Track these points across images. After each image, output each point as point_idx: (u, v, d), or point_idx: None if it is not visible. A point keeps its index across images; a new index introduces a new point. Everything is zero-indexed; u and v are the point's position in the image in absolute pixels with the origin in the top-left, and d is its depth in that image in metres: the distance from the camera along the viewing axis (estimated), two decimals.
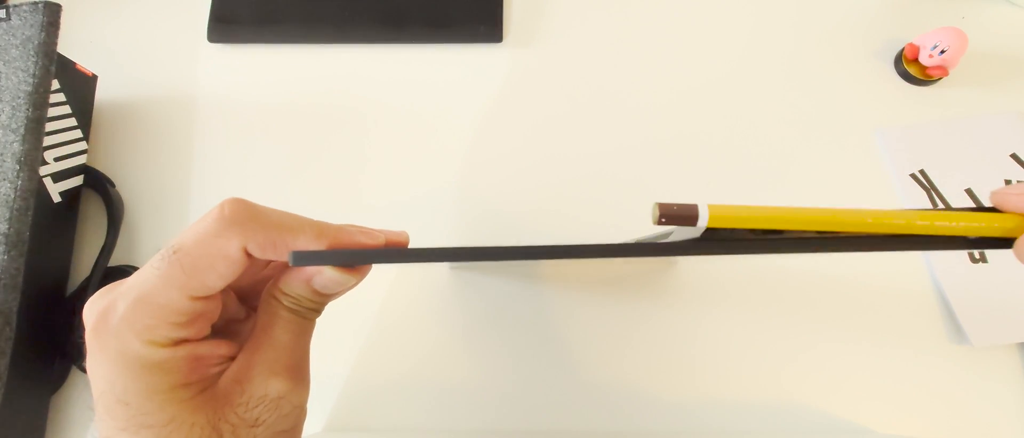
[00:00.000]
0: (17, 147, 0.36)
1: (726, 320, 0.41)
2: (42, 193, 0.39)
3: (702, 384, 0.40)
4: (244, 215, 0.18)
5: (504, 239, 0.43)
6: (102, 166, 0.45)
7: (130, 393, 0.17)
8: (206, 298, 0.18)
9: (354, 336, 0.41)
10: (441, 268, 0.42)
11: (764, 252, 0.14)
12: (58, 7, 0.39)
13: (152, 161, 0.46)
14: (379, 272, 0.42)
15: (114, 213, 0.42)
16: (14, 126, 0.36)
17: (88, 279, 0.40)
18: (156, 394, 0.17)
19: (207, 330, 0.19)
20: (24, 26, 0.38)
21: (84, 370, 0.39)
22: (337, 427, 0.39)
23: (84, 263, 0.42)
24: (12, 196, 0.35)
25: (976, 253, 0.42)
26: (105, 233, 0.42)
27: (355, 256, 0.17)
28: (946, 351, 0.40)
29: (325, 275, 0.19)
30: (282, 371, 0.19)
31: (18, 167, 0.35)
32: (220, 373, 0.19)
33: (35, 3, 0.38)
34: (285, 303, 0.20)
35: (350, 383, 0.40)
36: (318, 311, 0.21)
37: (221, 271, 0.18)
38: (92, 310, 0.18)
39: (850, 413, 0.39)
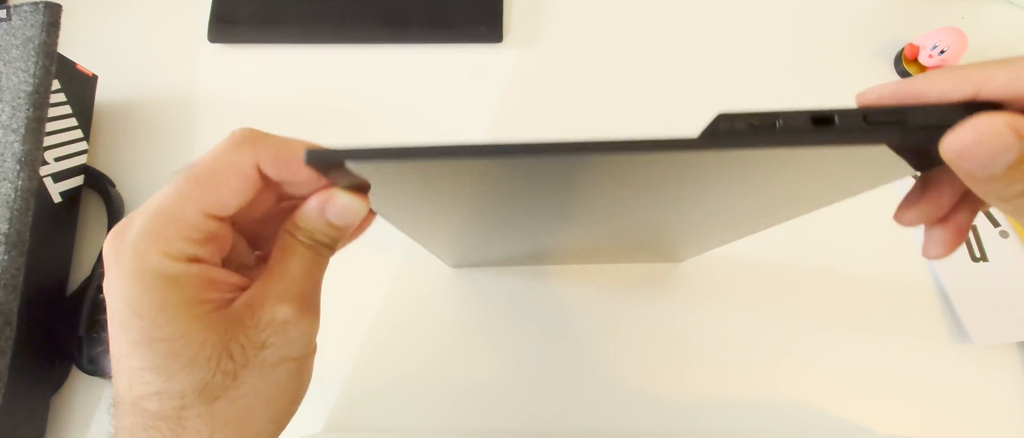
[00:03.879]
0: (17, 147, 0.36)
1: (726, 320, 0.41)
2: (42, 193, 0.39)
3: (702, 384, 0.39)
4: (254, 135, 0.18)
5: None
6: (102, 166, 0.45)
7: (144, 305, 0.17)
8: (220, 219, 0.18)
9: (354, 336, 0.41)
10: (442, 268, 0.42)
11: (763, 147, 0.14)
12: (58, 7, 0.39)
13: (152, 161, 0.46)
14: (379, 272, 0.42)
15: (114, 213, 0.43)
16: (14, 126, 0.36)
17: (88, 279, 0.40)
18: (170, 307, 0.17)
19: (218, 258, 0.19)
20: (24, 26, 0.38)
21: (84, 370, 0.39)
22: (337, 427, 0.39)
23: (84, 263, 0.42)
24: (12, 196, 0.35)
25: (977, 252, 0.42)
26: (105, 233, 0.42)
27: (372, 153, 0.15)
28: (947, 350, 0.40)
29: (338, 202, 0.19)
30: (291, 299, 0.20)
31: (18, 167, 0.35)
32: (232, 300, 0.19)
33: (35, 3, 0.38)
34: (300, 237, 0.20)
35: (350, 383, 0.40)
36: (332, 248, 0.21)
37: (234, 187, 0.18)
38: (112, 232, 0.18)
39: (850, 413, 0.39)
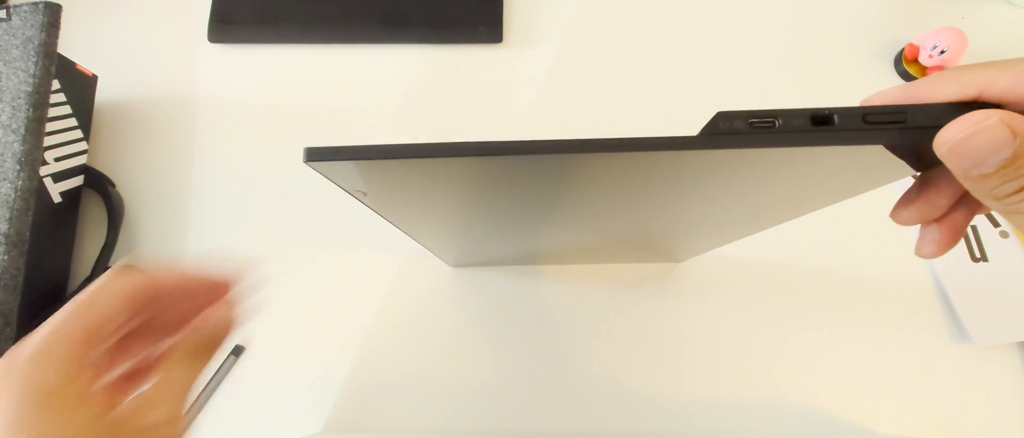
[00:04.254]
0: (17, 147, 0.36)
1: (726, 320, 0.41)
2: (42, 193, 0.39)
3: (703, 384, 0.39)
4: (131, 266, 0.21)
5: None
6: (102, 166, 0.45)
7: (32, 417, 0.18)
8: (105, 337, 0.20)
9: (354, 336, 0.41)
10: (442, 268, 0.42)
11: (762, 146, 0.14)
12: (58, 7, 0.39)
13: (152, 161, 0.46)
14: (379, 272, 0.42)
15: (114, 213, 0.42)
16: (14, 126, 0.36)
17: (88, 279, 0.40)
18: (59, 416, 0.19)
19: (106, 369, 0.22)
20: (25, 26, 0.38)
21: None
22: (337, 427, 0.39)
23: (84, 263, 0.42)
24: (12, 196, 0.35)
25: (977, 252, 0.42)
26: (105, 233, 0.42)
27: (370, 151, 0.15)
28: (947, 350, 0.40)
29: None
30: (164, 402, 0.21)
31: (18, 167, 0.35)
32: (120, 400, 0.21)
33: (35, 3, 0.38)
34: (184, 349, 0.22)
35: (349, 383, 0.40)
36: (210, 354, 0.23)
37: (115, 308, 0.20)
38: (4, 357, 0.19)
39: (850, 413, 0.39)
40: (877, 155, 0.15)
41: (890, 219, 0.20)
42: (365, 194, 0.20)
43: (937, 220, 0.19)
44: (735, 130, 0.14)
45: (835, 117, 0.14)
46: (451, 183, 0.18)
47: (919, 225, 0.20)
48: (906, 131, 0.14)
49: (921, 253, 0.20)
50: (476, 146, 0.15)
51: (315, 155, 0.16)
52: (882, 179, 0.19)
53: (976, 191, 0.15)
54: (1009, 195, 0.14)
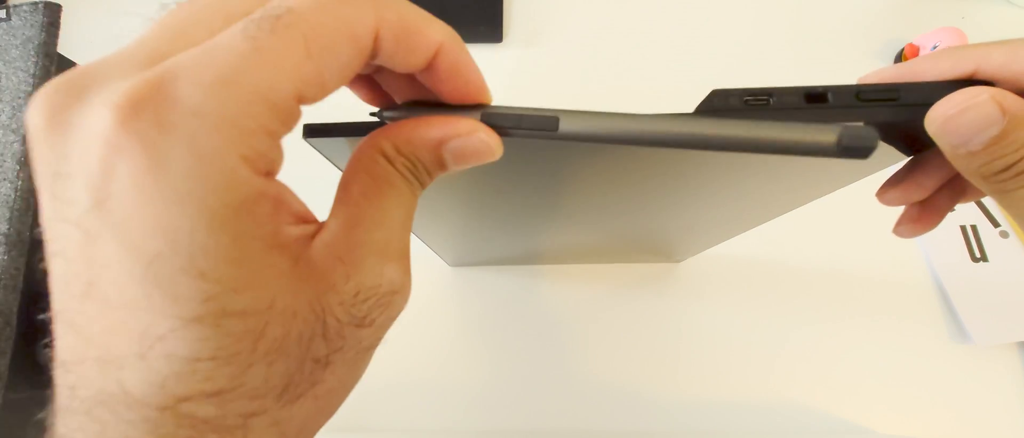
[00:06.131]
0: (17, 147, 0.36)
1: (726, 320, 0.41)
2: None
3: (702, 384, 0.39)
4: None
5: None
6: None
7: (210, 252, 0.10)
8: (305, 104, 0.12)
9: None
10: (442, 268, 0.42)
11: (755, 119, 0.14)
12: (58, 7, 0.39)
13: None
14: None
15: None
16: (14, 126, 0.36)
17: None
18: (250, 259, 0.11)
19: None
20: (24, 26, 0.38)
21: None
22: (337, 427, 0.39)
23: None
24: (12, 196, 0.35)
25: (977, 252, 0.42)
26: None
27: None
28: (947, 350, 0.40)
29: (476, 140, 0.14)
30: (396, 257, 0.14)
31: (18, 167, 0.35)
32: (302, 240, 0.13)
33: (35, 3, 0.38)
34: (399, 167, 0.14)
35: None
36: (424, 186, 0.15)
37: (343, 58, 0.12)
38: (120, 99, 0.10)
39: (850, 413, 0.39)
40: None
41: (875, 199, 0.20)
42: None
43: (921, 202, 0.19)
44: (730, 107, 0.15)
45: (829, 95, 0.15)
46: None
47: (903, 206, 0.20)
48: (899, 108, 0.14)
49: (899, 232, 0.20)
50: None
51: (314, 131, 0.15)
52: (874, 166, 0.19)
53: (965, 170, 0.15)
54: (997, 173, 0.14)
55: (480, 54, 0.49)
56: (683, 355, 0.40)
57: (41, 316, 0.11)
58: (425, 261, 0.42)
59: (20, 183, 0.35)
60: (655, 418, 0.39)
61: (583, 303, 0.41)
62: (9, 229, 0.34)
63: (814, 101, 0.14)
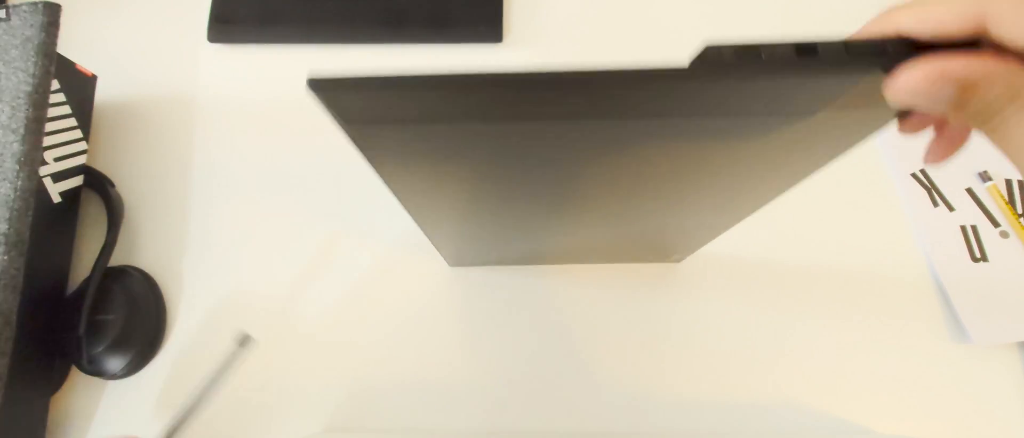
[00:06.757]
0: (17, 147, 0.36)
1: (725, 320, 0.41)
2: (42, 193, 0.39)
3: (702, 384, 0.39)
4: None
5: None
6: (102, 166, 0.45)
7: None
8: None
9: (354, 336, 0.41)
10: (441, 268, 0.42)
11: (750, 76, 0.15)
12: (58, 7, 0.39)
13: (152, 161, 0.46)
14: (379, 272, 0.42)
15: (114, 213, 0.42)
16: (14, 126, 0.36)
17: (88, 279, 0.40)
18: None
19: None
20: (24, 26, 0.38)
21: (84, 370, 0.39)
22: (337, 427, 0.39)
23: (84, 263, 0.42)
24: (12, 196, 0.35)
25: (977, 252, 0.42)
26: (105, 233, 0.42)
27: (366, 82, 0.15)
28: (947, 350, 0.40)
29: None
30: None
31: (18, 167, 0.35)
32: None
33: (35, 3, 0.38)
34: None
35: (350, 383, 0.40)
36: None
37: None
38: None
39: (850, 413, 0.39)
40: (862, 92, 0.16)
41: (897, 131, 0.20)
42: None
43: (939, 128, 0.20)
44: (723, 61, 0.15)
45: (818, 47, 0.15)
46: (455, 129, 0.18)
47: (931, 135, 0.21)
48: (889, 60, 0.15)
49: (929, 160, 0.21)
50: (492, 76, 0.16)
51: (319, 86, 0.15)
52: (867, 128, 0.19)
53: (950, 116, 0.16)
54: (974, 116, 0.15)
55: (480, 54, 0.49)
56: (683, 355, 0.40)
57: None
58: (425, 261, 0.42)
59: (20, 183, 0.35)
60: (655, 418, 0.39)
61: (583, 303, 0.41)
62: (9, 229, 0.34)
63: (804, 54, 0.15)
